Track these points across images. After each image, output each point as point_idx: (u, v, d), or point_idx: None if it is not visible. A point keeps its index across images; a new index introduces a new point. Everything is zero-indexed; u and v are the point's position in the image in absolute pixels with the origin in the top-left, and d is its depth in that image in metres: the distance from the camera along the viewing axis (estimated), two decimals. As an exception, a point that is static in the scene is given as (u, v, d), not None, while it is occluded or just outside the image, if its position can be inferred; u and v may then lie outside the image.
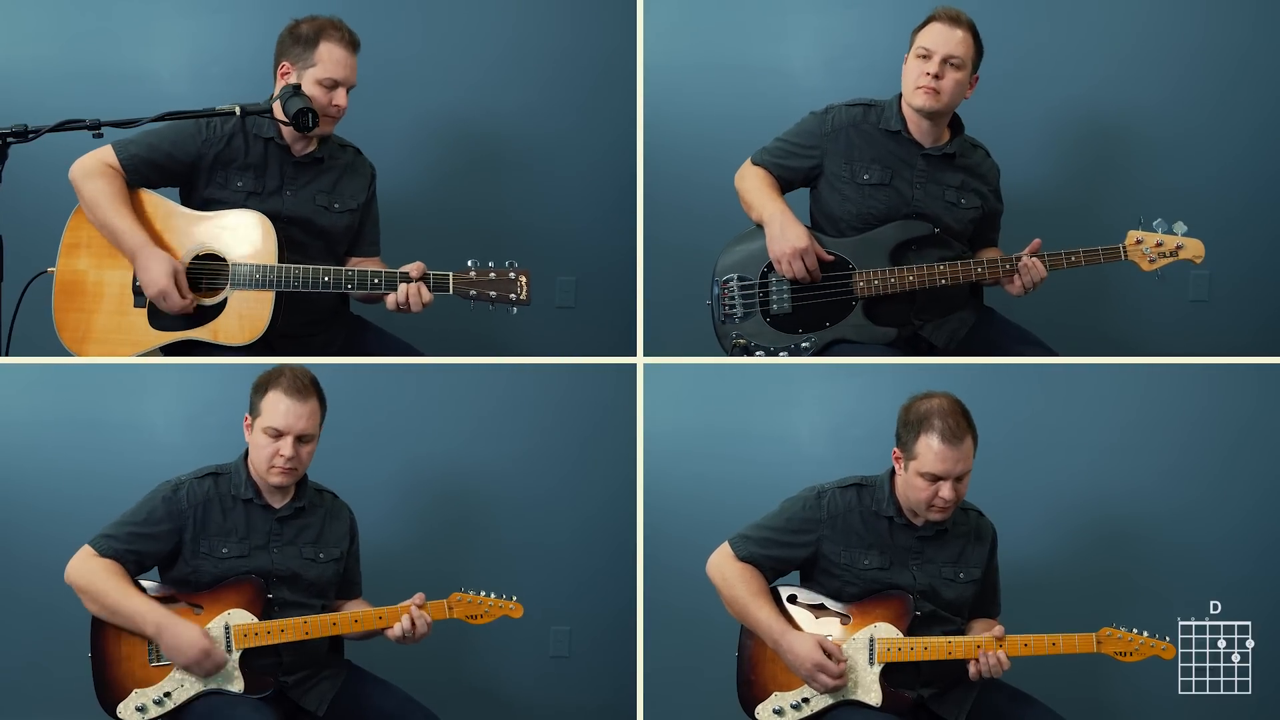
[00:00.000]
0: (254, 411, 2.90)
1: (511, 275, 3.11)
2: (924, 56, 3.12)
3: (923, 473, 2.84)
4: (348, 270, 3.10)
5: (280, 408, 2.88)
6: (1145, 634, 2.89)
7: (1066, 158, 3.92)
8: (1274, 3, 3.88)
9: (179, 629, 2.81)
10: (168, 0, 3.84)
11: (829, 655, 2.84)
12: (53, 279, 3.12)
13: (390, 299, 3.08)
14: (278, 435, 2.88)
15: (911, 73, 3.15)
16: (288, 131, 3.14)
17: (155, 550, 2.90)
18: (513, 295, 3.11)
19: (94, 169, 3.07)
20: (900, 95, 3.20)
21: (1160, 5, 3.88)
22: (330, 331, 3.31)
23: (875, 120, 3.22)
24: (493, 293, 3.10)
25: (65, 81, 3.78)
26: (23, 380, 3.63)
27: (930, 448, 2.82)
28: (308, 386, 2.91)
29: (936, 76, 3.10)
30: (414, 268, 3.08)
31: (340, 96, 3.12)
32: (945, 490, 2.84)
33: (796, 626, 2.91)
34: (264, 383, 2.91)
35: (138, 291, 3.10)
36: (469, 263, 3.11)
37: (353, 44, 3.15)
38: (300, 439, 2.89)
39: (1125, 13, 3.87)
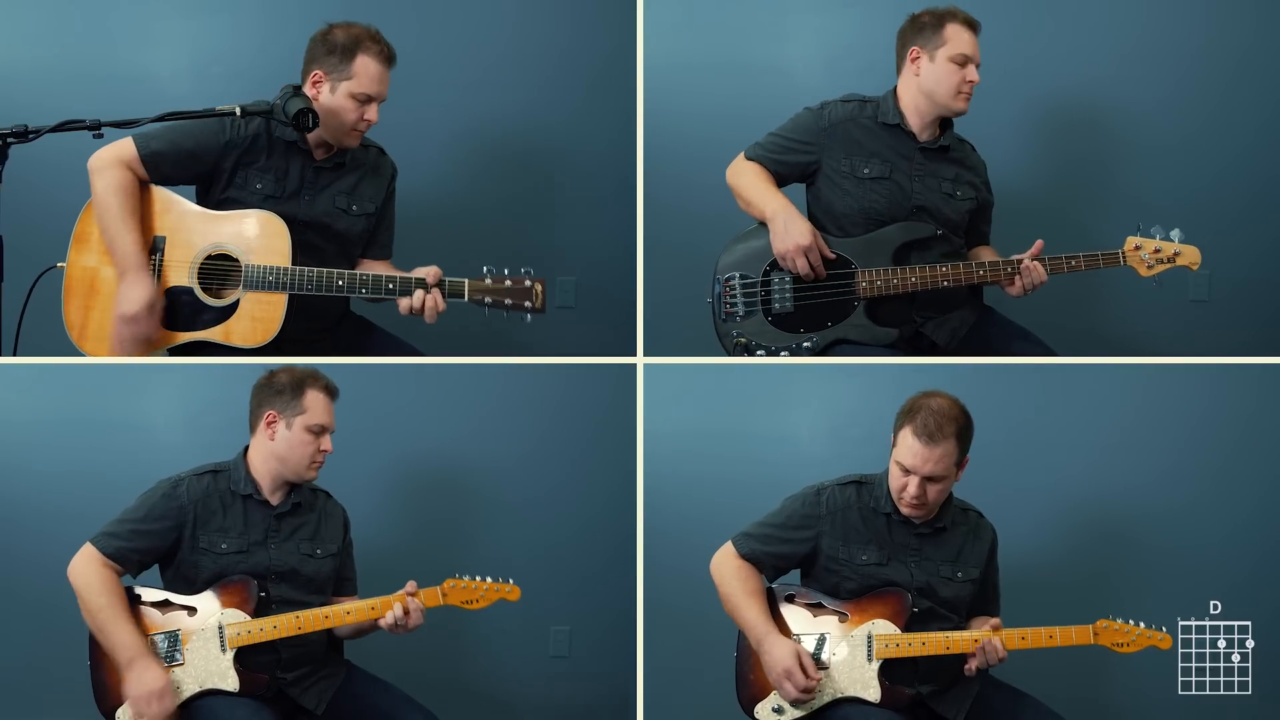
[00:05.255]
0: (291, 410, 2.92)
1: (527, 283, 3.09)
2: (963, 64, 3.14)
3: (897, 461, 2.87)
4: (362, 274, 3.07)
5: (321, 404, 2.93)
6: (1142, 625, 2.90)
7: (1066, 158, 3.92)
8: (1274, 3, 3.88)
9: (147, 670, 2.80)
10: (168, 0, 3.84)
11: (804, 669, 2.84)
12: (62, 274, 3.10)
13: (403, 304, 3.06)
14: (321, 432, 2.93)
15: (951, 78, 3.15)
16: (310, 136, 3.09)
17: (156, 546, 2.91)
18: (527, 304, 3.09)
19: (112, 164, 3.02)
20: (895, 90, 3.22)
21: (1160, 5, 3.89)
22: (335, 334, 3.31)
23: (872, 114, 3.23)
24: (508, 300, 3.08)
25: (65, 81, 3.78)
26: (24, 380, 3.63)
27: (905, 439, 2.86)
28: (334, 384, 2.98)
29: (975, 82, 3.16)
30: (430, 273, 3.05)
31: (372, 111, 3.08)
32: (912, 485, 2.86)
33: (787, 632, 2.92)
34: (299, 383, 2.93)
35: None
36: (485, 269, 3.09)
37: (389, 58, 3.11)
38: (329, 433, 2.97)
39: (1125, 12, 3.87)
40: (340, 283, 3.05)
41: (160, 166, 3.07)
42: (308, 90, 3.07)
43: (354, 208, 3.21)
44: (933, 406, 2.85)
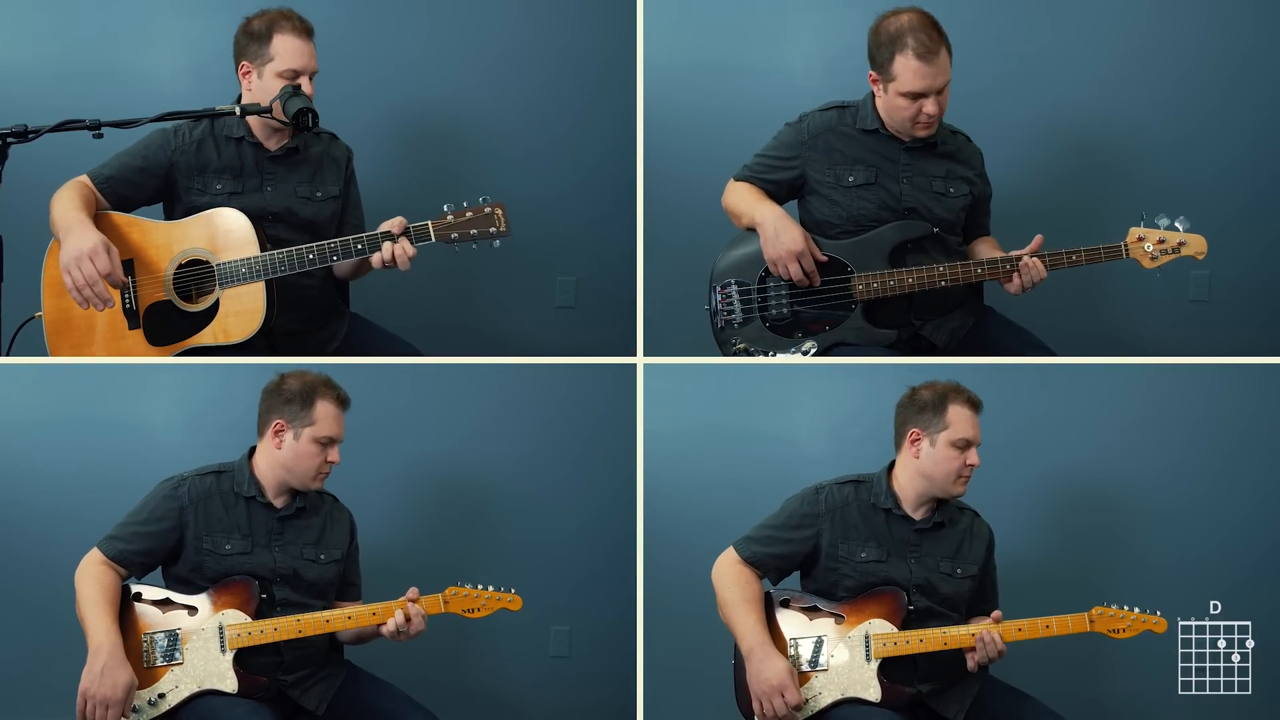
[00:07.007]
0: (300, 421, 2.91)
1: (487, 210, 3.10)
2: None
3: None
4: (330, 242, 3.08)
5: (331, 415, 2.92)
6: (1137, 610, 2.89)
7: (1067, 159, 3.91)
8: (1274, 3, 3.88)
9: (112, 672, 2.74)
10: (167, 0, 3.85)
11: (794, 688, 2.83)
12: (42, 322, 3.12)
13: (375, 259, 3.07)
14: (329, 443, 2.92)
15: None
16: (259, 128, 3.15)
17: (158, 548, 2.91)
18: (492, 229, 3.09)
19: (65, 187, 3.08)
20: (871, 96, 3.17)
21: (1160, 7, 3.88)
22: (330, 328, 3.31)
23: (851, 121, 3.20)
24: (473, 231, 3.08)
25: (65, 81, 3.79)
26: (23, 380, 3.63)
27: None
28: (345, 393, 2.97)
29: (934, 114, 3.07)
30: (394, 224, 3.07)
31: (304, 85, 3.11)
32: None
33: (782, 637, 2.91)
34: (309, 392, 2.92)
35: (130, 314, 3.10)
36: (445, 206, 3.09)
37: (306, 31, 3.14)
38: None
39: (1125, 14, 3.87)
40: (311, 255, 3.06)
41: (117, 191, 3.12)
42: (240, 83, 3.13)
43: (318, 194, 3.23)
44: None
